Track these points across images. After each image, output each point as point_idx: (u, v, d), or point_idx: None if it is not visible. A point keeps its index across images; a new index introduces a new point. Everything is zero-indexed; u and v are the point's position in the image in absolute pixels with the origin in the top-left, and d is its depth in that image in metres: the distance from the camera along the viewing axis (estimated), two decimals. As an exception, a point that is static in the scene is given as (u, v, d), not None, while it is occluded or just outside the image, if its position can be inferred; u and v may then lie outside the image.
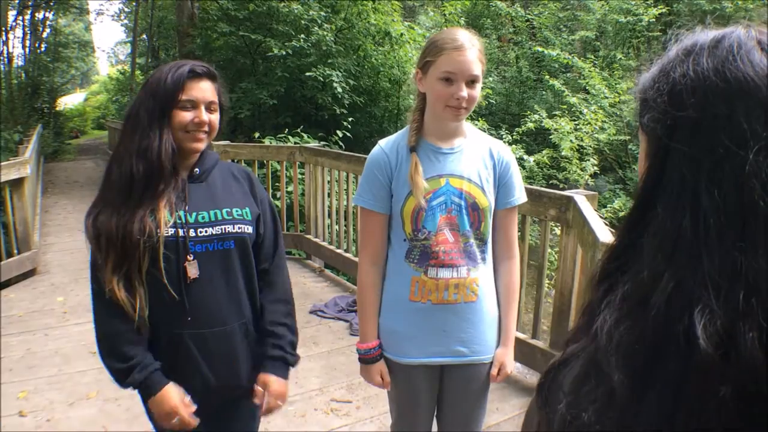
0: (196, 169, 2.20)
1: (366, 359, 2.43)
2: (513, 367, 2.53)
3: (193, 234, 2.11)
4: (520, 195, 2.40)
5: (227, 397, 2.28)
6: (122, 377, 2.06)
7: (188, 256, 2.10)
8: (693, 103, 0.73)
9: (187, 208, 2.12)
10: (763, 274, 0.65)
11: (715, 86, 0.71)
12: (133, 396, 2.09)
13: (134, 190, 2.04)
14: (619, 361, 0.71)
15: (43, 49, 31.60)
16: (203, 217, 2.14)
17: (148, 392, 2.07)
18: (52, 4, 28.41)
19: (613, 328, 0.74)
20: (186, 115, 2.10)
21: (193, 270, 2.10)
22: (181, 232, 2.09)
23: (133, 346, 2.07)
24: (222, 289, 2.18)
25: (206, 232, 2.14)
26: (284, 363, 2.30)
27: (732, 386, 0.63)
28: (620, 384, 0.71)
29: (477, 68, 2.16)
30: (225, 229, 2.17)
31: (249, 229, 2.23)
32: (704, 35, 0.79)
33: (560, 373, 0.83)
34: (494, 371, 2.43)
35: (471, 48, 2.15)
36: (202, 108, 2.14)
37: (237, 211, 2.22)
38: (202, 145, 2.17)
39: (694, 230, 0.70)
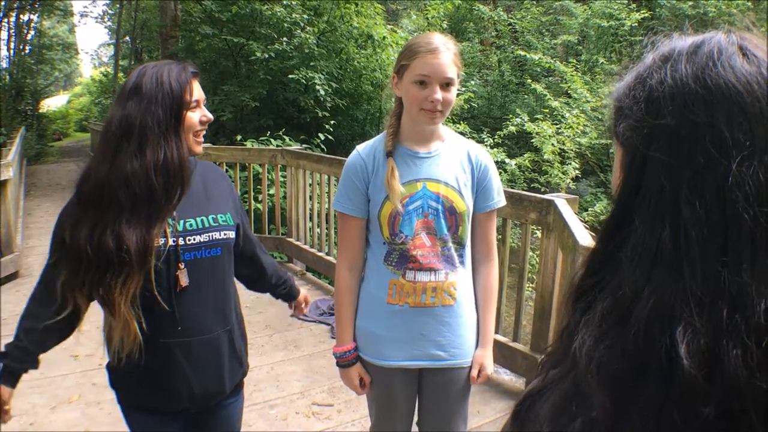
0: None
1: (342, 362, 2.44)
2: (492, 369, 2.54)
3: (183, 242, 2.07)
4: (498, 198, 2.40)
5: (210, 404, 2.26)
6: (9, 348, 2.04)
7: (179, 265, 2.06)
8: (671, 110, 0.71)
9: (175, 215, 2.07)
10: (747, 289, 0.63)
11: (694, 93, 0.69)
12: (115, 399, 2.09)
13: (154, 205, 1.95)
14: (599, 383, 0.70)
15: (27, 51, 31.36)
16: (191, 225, 2.10)
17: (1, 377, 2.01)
18: (37, 6, 28.24)
19: (592, 348, 0.72)
20: (195, 116, 2.05)
21: (184, 278, 2.06)
22: (171, 241, 2.04)
23: (38, 334, 2.03)
24: (210, 297, 2.15)
25: (195, 239, 2.09)
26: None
27: (716, 406, 0.62)
28: (601, 406, 0.69)
29: (452, 71, 2.17)
30: (212, 236, 2.14)
31: (232, 234, 2.22)
32: (682, 41, 0.77)
33: (537, 402, 0.81)
34: (474, 373, 2.44)
35: (445, 51, 2.16)
36: (203, 106, 2.11)
37: (221, 217, 2.19)
38: (201, 146, 2.13)
39: (674, 243, 0.68)
